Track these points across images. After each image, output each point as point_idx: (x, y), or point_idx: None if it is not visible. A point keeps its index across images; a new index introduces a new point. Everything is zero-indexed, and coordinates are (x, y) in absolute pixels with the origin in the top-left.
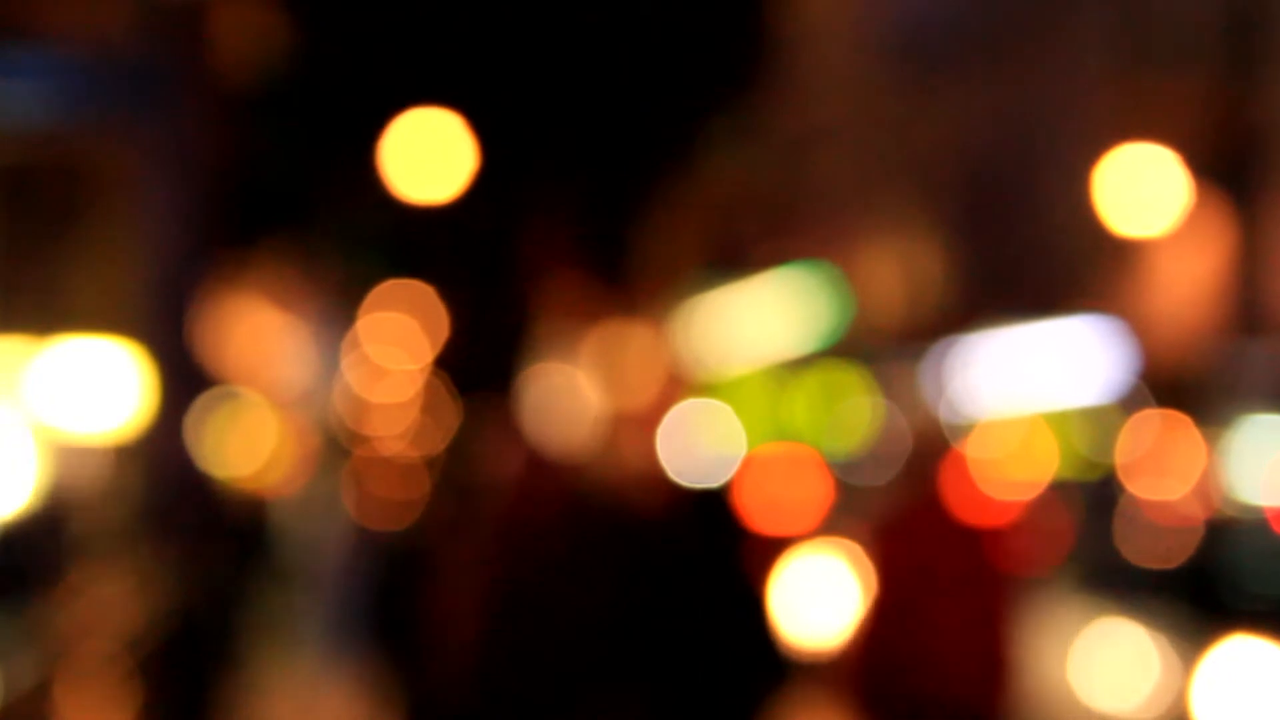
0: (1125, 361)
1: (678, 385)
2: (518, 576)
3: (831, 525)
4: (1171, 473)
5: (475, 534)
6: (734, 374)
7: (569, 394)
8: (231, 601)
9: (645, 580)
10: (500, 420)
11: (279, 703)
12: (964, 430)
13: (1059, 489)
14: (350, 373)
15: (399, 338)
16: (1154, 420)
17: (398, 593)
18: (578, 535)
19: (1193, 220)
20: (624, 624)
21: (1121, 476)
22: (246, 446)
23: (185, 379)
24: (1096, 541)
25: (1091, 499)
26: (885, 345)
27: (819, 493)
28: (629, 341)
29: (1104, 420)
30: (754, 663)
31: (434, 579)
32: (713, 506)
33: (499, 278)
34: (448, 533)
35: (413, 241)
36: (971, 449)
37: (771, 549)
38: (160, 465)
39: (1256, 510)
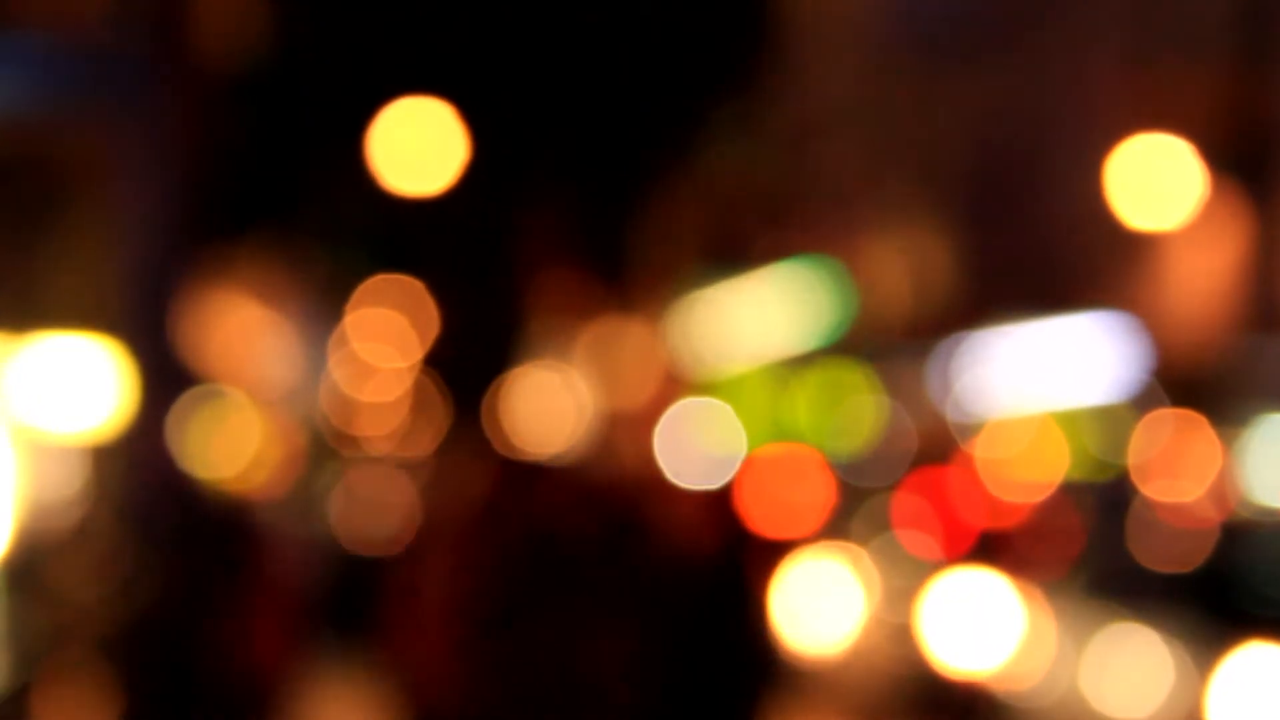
0: (1138, 359)
1: (675, 384)
2: (486, 591)
3: (835, 528)
4: (1186, 474)
5: (447, 548)
6: (734, 372)
7: (563, 393)
8: (211, 605)
9: (635, 592)
10: (483, 425)
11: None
12: (972, 430)
13: (1069, 490)
14: (337, 371)
15: (388, 335)
16: (1168, 420)
17: (371, 604)
18: (550, 549)
19: (1208, 213)
20: (612, 638)
21: (1134, 477)
22: (230, 447)
23: (166, 377)
24: (1108, 544)
25: (1103, 500)
26: (890, 342)
27: (822, 495)
28: (625, 339)
29: (1116, 419)
30: (750, 669)
31: (406, 592)
32: (713, 509)
33: (491, 273)
34: (424, 545)
35: (402, 235)
36: (980, 449)
37: (773, 552)
38: (141, 466)
39: (1274, 512)
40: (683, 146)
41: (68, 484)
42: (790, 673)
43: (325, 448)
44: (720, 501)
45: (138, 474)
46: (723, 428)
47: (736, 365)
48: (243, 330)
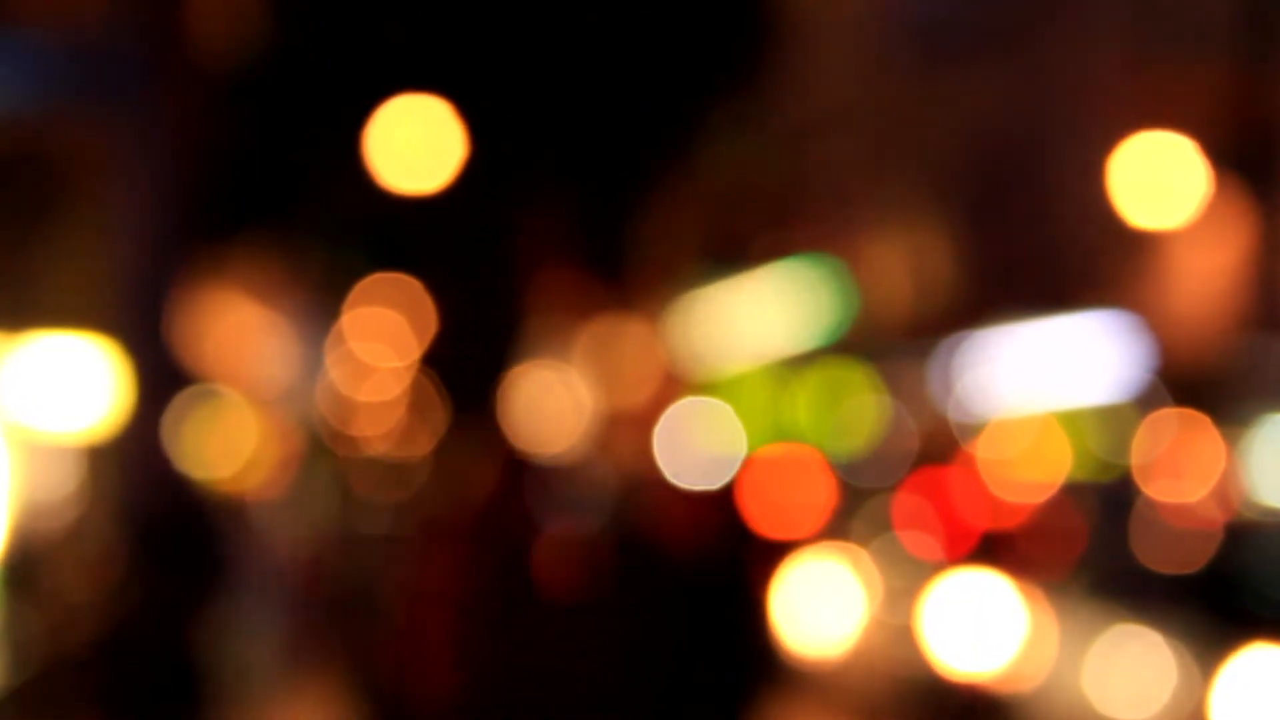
0: (1141, 358)
1: (675, 383)
2: (485, 591)
3: (835, 529)
4: (1189, 474)
5: (446, 548)
6: (734, 372)
7: (562, 393)
8: (206, 608)
9: (634, 593)
10: (481, 424)
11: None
12: (974, 430)
13: (1072, 490)
14: (334, 370)
15: (385, 334)
16: (1171, 419)
17: (369, 604)
18: (553, 552)
19: (1211, 212)
20: (611, 638)
21: (1137, 478)
22: (226, 447)
23: (162, 376)
24: (1111, 545)
25: (1106, 501)
26: (891, 342)
27: (822, 495)
28: (625, 338)
29: (1119, 419)
30: (750, 669)
31: (404, 592)
32: (713, 510)
33: (489, 272)
34: (422, 545)
35: (400, 234)
36: (981, 449)
37: (774, 553)
38: (136, 466)
39: (1277, 513)
40: (683, 146)
41: (63, 484)
42: (791, 674)
43: (322, 447)
44: (720, 502)
45: (133, 474)
46: (723, 428)
47: (736, 365)
48: (239, 329)
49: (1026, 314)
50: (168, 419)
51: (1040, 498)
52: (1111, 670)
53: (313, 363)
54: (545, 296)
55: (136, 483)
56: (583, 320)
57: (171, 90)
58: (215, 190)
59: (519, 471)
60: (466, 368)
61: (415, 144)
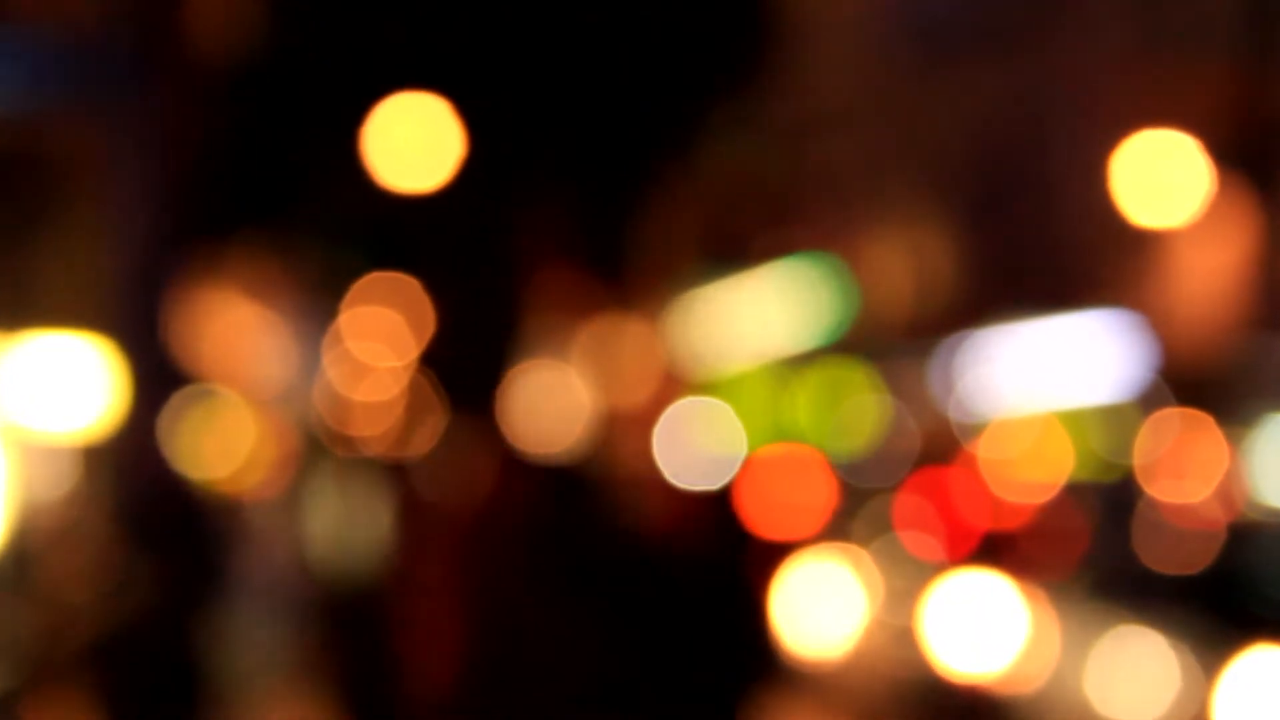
0: (1143, 358)
1: (675, 383)
2: (485, 591)
3: (836, 529)
4: (1192, 474)
5: (445, 547)
6: (734, 371)
7: (561, 393)
8: (203, 609)
9: (634, 594)
10: (480, 424)
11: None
12: (975, 430)
13: (1074, 491)
14: (332, 370)
15: (383, 333)
16: (1174, 419)
17: (369, 605)
18: (552, 548)
19: (1214, 210)
20: (610, 642)
21: (1140, 478)
22: (223, 447)
23: (159, 376)
24: (1113, 546)
25: (1108, 501)
26: (892, 341)
27: (823, 495)
28: (624, 337)
29: (1121, 419)
30: (750, 671)
31: (404, 592)
32: (713, 510)
33: (488, 271)
34: (422, 545)
35: (398, 233)
36: (983, 449)
37: (774, 554)
38: (133, 467)
39: None
40: (683, 146)
41: (59, 484)
42: (791, 675)
43: (320, 448)
44: (720, 502)
45: (130, 474)
46: (723, 428)
47: (736, 365)
48: (236, 329)
49: (1028, 313)
50: (164, 419)
51: (1042, 498)
52: (1114, 671)
53: (310, 362)
54: (545, 296)
55: (133, 483)
56: (583, 320)
57: (169, 88)
58: (212, 189)
59: (519, 471)
60: (465, 367)
61: (414, 143)
